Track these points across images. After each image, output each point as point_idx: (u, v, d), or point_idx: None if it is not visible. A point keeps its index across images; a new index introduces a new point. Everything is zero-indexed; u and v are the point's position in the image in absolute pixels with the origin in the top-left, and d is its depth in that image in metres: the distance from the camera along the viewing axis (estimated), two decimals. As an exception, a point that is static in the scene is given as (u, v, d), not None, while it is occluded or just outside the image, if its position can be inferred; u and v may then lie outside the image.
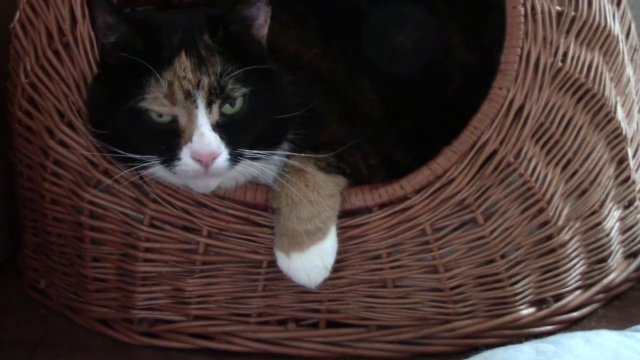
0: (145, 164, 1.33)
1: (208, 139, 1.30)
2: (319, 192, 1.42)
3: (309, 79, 1.56)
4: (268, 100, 1.37)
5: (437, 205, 1.47)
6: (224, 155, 1.32)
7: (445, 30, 1.73)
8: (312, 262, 1.42)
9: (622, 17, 1.61)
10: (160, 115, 1.32)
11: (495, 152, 1.46)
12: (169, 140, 1.32)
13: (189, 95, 1.31)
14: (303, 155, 1.43)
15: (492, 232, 1.50)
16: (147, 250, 1.52)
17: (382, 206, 1.47)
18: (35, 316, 1.66)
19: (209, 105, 1.31)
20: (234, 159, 1.33)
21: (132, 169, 1.36)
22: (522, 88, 1.45)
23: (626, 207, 1.69)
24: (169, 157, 1.32)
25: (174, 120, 1.32)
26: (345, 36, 1.68)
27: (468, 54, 1.72)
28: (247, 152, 1.34)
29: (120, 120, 1.34)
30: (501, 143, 1.46)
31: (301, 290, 1.50)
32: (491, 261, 1.52)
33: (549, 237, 1.55)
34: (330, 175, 1.45)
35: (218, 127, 1.32)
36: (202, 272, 1.52)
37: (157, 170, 1.36)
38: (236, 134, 1.33)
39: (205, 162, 1.30)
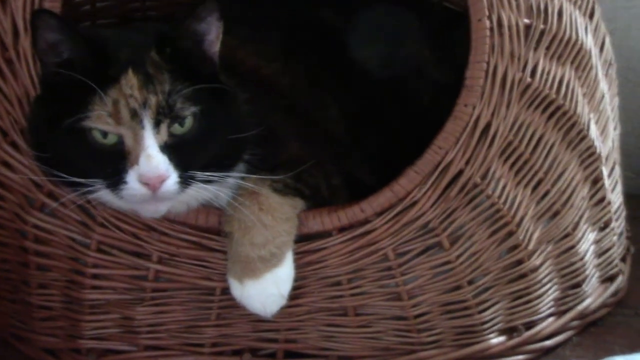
0: (90, 188, 1.28)
1: (156, 161, 1.25)
2: (274, 216, 1.37)
3: (267, 95, 1.51)
4: (220, 119, 1.32)
5: (399, 228, 1.43)
6: (173, 178, 1.26)
7: (416, 45, 1.70)
8: (267, 290, 1.38)
9: (595, 30, 1.57)
10: (105, 136, 1.27)
11: (460, 172, 1.42)
12: (114, 162, 1.27)
13: (135, 115, 1.26)
14: (258, 177, 1.38)
15: (458, 257, 1.46)
16: (94, 276, 1.47)
17: (342, 230, 1.43)
18: (-20, 345, 1.61)
19: (156, 125, 1.26)
20: (185, 182, 1.28)
21: (77, 193, 1.30)
22: (488, 105, 1.41)
23: (602, 229, 1.66)
24: (115, 180, 1.26)
25: (120, 142, 1.27)
26: (309, 50, 1.63)
27: (438, 70, 1.68)
28: (199, 174, 1.29)
29: (62, 142, 1.29)
30: (467, 163, 1.42)
31: (257, 319, 1.46)
32: (458, 287, 1.48)
33: (519, 262, 1.51)
34: (286, 197, 1.40)
35: (167, 149, 1.27)
36: (152, 299, 1.47)
37: (103, 194, 1.30)
38: (186, 155, 1.28)
39: (153, 185, 1.25)
